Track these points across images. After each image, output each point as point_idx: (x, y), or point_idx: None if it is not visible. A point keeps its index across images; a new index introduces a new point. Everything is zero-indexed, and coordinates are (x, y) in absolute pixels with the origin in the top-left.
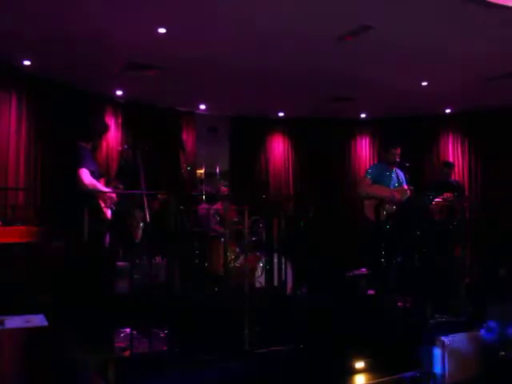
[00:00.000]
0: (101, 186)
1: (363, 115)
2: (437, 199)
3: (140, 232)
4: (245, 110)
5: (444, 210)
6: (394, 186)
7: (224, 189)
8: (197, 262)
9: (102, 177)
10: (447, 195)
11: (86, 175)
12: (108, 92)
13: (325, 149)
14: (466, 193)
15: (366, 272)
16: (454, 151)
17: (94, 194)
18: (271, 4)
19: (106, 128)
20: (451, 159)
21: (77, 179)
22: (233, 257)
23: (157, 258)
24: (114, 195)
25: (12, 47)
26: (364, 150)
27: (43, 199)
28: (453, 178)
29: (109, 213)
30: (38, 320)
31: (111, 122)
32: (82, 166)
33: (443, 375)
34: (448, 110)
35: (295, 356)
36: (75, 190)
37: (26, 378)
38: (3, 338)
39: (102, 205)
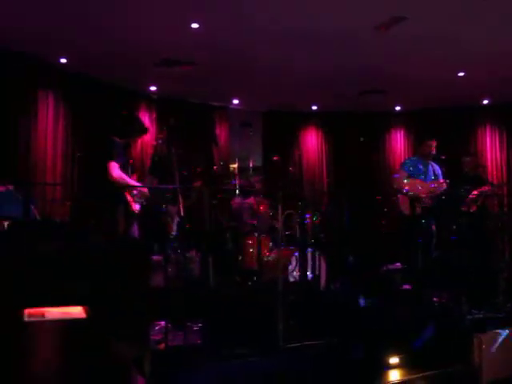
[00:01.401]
0: (130, 180)
1: (398, 108)
2: (473, 192)
3: (174, 226)
4: (278, 104)
5: (478, 202)
6: (431, 180)
7: (258, 184)
8: (231, 256)
9: (135, 172)
10: (484, 188)
11: (114, 168)
12: (142, 88)
13: (359, 142)
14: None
15: (400, 267)
16: (491, 143)
17: (122, 187)
18: None
19: (144, 130)
20: (489, 151)
21: (106, 172)
22: (266, 251)
23: (191, 252)
24: (144, 189)
25: (49, 45)
26: (399, 143)
27: (80, 194)
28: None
29: (137, 206)
30: (76, 312)
31: (145, 117)
32: (111, 159)
33: (480, 372)
34: (486, 101)
35: (329, 351)
36: (105, 182)
37: (65, 370)
38: (44, 330)
39: (129, 198)
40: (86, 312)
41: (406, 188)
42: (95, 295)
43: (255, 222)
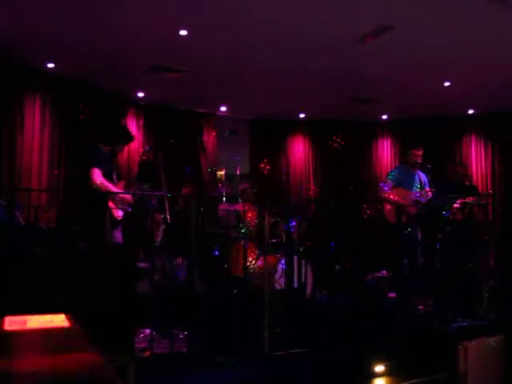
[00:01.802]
0: (112, 186)
1: (384, 116)
2: (458, 201)
3: (160, 234)
4: (266, 111)
5: (464, 211)
6: (416, 189)
7: (249, 191)
8: (217, 263)
9: (122, 179)
10: (469, 198)
11: (97, 175)
12: (130, 94)
13: (346, 150)
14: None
15: (386, 274)
16: (477, 153)
17: (103, 193)
18: (293, 6)
19: (130, 139)
20: (474, 161)
21: (88, 178)
22: (252, 259)
23: (177, 259)
24: (128, 196)
25: (36, 50)
26: (386, 151)
27: (65, 200)
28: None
29: (119, 213)
30: (59, 320)
31: (133, 123)
32: (93, 166)
33: (465, 380)
34: (471, 111)
35: (314, 359)
36: (87, 189)
37: (48, 379)
38: (26, 338)
39: (112, 205)
40: (69, 320)
41: (392, 197)
42: (79, 302)
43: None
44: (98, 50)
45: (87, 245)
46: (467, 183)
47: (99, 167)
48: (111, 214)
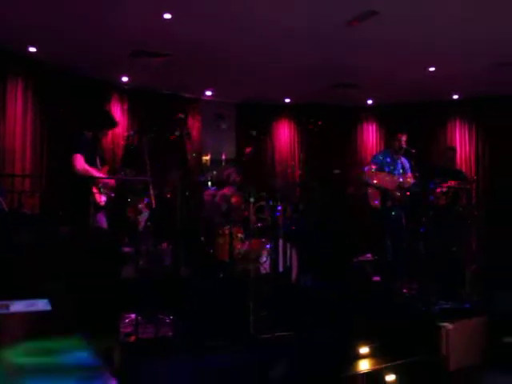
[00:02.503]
0: (94, 172)
1: (370, 101)
2: (442, 185)
3: (142, 222)
4: (251, 96)
5: (448, 196)
6: (399, 174)
7: (233, 175)
8: (202, 247)
9: (106, 164)
10: (452, 182)
11: (78, 160)
12: (114, 79)
13: (331, 135)
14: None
15: (371, 258)
16: (461, 137)
17: (85, 179)
18: None
19: (113, 124)
20: (458, 145)
21: (70, 165)
22: (238, 243)
23: (162, 244)
24: (111, 181)
25: (18, 34)
26: (371, 136)
27: (49, 185)
28: (457, 164)
29: (102, 198)
30: (41, 305)
31: (117, 108)
32: (76, 152)
33: (447, 361)
34: (456, 96)
35: (300, 342)
36: (69, 174)
37: None
38: (8, 322)
39: (95, 190)
40: (52, 304)
41: (375, 181)
42: (64, 287)
43: (227, 214)
44: (81, 34)
45: (70, 230)
46: (453, 168)
47: (81, 153)
48: (94, 199)
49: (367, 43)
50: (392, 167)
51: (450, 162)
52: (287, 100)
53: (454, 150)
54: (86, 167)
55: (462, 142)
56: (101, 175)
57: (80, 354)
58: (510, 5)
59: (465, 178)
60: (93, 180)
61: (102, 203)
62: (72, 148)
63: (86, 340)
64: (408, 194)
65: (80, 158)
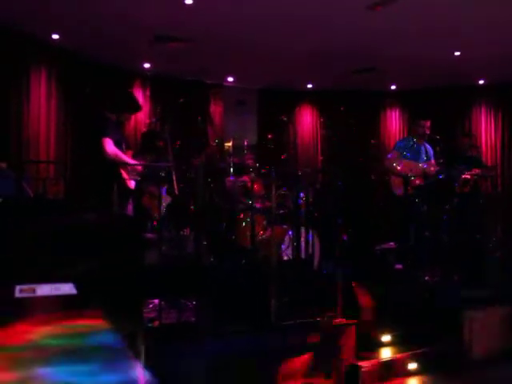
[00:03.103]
0: (125, 157)
1: (393, 87)
2: (465, 174)
3: (163, 209)
4: (273, 82)
5: (469, 184)
6: (423, 161)
7: (250, 161)
8: (224, 234)
9: (129, 149)
10: (476, 171)
11: (109, 145)
12: (136, 65)
13: (354, 121)
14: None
15: (393, 246)
16: (486, 123)
17: (117, 164)
18: None
19: (138, 108)
20: (483, 131)
21: (100, 149)
22: (260, 230)
23: (185, 230)
24: (139, 167)
25: (41, 21)
26: (394, 122)
27: (74, 172)
28: (476, 151)
29: (132, 184)
30: (67, 288)
31: (139, 94)
32: (105, 136)
33: (471, 350)
34: (481, 81)
35: (321, 329)
36: (99, 160)
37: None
38: (35, 305)
39: (125, 176)
40: (77, 288)
41: (398, 168)
42: (88, 272)
43: (249, 201)
44: (103, 21)
45: (96, 216)
46: (472, 154)
47: (110, 137)
48: (125, 184)
49: (390, 28)
50: (416, 154)
51: (470, 149)
52: (309, 86)
53: (468, 135)
54: (117, 151)
55: (487, 128)
56: (130, 160)
57: (105, 336)
58: None
59: (482, 164)
60: (124, 165)
61: (132, 188)
62: (99, 132)
63: (111, 324)
64: (432, 181)
65: (110, 142)
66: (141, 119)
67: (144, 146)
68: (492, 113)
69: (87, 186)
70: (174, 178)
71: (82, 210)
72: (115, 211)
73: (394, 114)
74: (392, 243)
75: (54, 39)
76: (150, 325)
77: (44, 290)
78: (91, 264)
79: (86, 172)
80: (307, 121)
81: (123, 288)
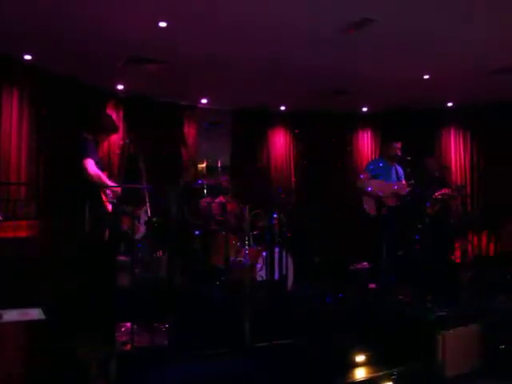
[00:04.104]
0: (105, 179)
1: (365, 109)
2: (436, 194)
3: (142, 227)
4: (246, 103)
5: (438, 204)
6: (394, 182)
7: (225, 182)
8: (198, 255)
9: (105, 170)
10: (445, 190)
11: (91, 165)
12: (110, 86)
13: (326, 143)
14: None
15: (367, 266)
16: (455, 145)
17: (97, 186)
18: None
19: (115, 129)
20: (453, 153)
21: (81, 170)
22: (234, 251)
23: (158, 252)
24: (118, 189)
25: (13, 41)
26: (366, 143)
27: (46, 193)
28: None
29: (109, 207)
30: (34, 314)
31: (113, 116)
32: (86, 156)
33: (444, 368)
34: (450, 104)
35: (296, 350)
36: (78, 181)
37: (23, 372)
38: (1, 331)
39: (104, 198)
40: (45, 313)
41: (370, 188)
42: (59, 296)
43: (223, 222)
44: (76, 42)
45: (67, 239)
46: (442, 175)
47: (91, 157)
48: (104, 208)
49: (363, 51)
50: (387, 175)
51: (436, 170)
52: (282, 108)
53: (446, 169)
54: (99, 173)
55: (456, 149)
56: (110, 183)
57: None
58: (503, 16)
59: (446, 184)
60: (105, 187)
61: (110, 211)
62: (80, 153)
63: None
64: (402, 201)
65: (92, 163)
66: (114, 140)
67: (129, 169)
68: (461, 134)
69: (60, 208)
70: (147, 200)
71: (53, 232)
72: (88, 234)
73: (365, 135)
74: (365, 263)
75: (27, 59)
76: (122, 348)
77: (11, 315)
78: (61, 288)
79: (59, 193)
80: (280, 142)
81: (95, 311)
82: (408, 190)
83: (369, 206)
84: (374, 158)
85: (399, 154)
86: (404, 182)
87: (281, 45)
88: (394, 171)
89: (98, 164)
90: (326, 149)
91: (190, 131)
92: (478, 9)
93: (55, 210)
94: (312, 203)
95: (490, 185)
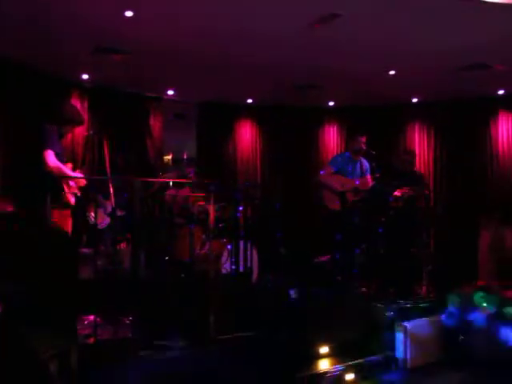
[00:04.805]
0: (66, 170)
1: (331, 103)
2: (397, 192)
3: (106, 217)
4: (213, 96)
5: (404, 199)
6: (358, 176)
7: (190, 174)
8: (163, 247)
9: (68, 162)
10: (405, 189)
11: (50, 157)
12: (74, 76)
13: (293, 136)
14: (429, 183)
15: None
16: (420, 140)
17: (58, 177)
18: None
19: (80, 121)
20: (417, 148)
21: (41, 161)
22: (199, 244)
23: (122, 244)
24: (81, 180)
25: None
26: (332, 138)
27: (4, 183)
28: (416, 167)
29: (72, 198)
30: None
31: (77, 106)
32: (46, 148)
33: (405, 360)
34: (415, 100)
35: (260, 342)
36: (39, 172)
37: None
38: None
39: (66, 190)
40: (2, 306)
41: (331, 183)
42: (21, 289)
43: (188, 214)
44: (38, 30)
45: (28, 230)
46: (413, 170)
47: (52, 149)
48: (67, 199)
49: (329, 45)
50: (351, 169)
51: (407, 166)
52: (249, 101)
53: (411, 153)
54: (59, 164)
55: (420, 143)
56: (73, 174)
57: None
58: (462, 17)
59: (421, 180)
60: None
61: (73, 203)
62: (41, 144)
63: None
64: (368, 193)
65: (51, 154)
66: (78, 132)
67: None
68: (425, 130)
69: (19, 199)
70: (111, 190)
71: (12, 224)
72: (48, 226)
73: (332, 129)
74: (329, 256)
75: None
76: (85, 341)
77: None
78: (20, 280)
79: (19, 185)
80: (247, 135)
81: (55, 304)
82: (372, 183)
83: (329, 201)
84: (339, 151)
85: (364, 147)
86: (369, 176)
87: (245, 39)
88: (358, 165)
89: (60, 156)
90: (292, 142)
91: (155, 123)
92: (439, 9)
93: (15, 202)
94: (277, 196)
95: (452, 180)
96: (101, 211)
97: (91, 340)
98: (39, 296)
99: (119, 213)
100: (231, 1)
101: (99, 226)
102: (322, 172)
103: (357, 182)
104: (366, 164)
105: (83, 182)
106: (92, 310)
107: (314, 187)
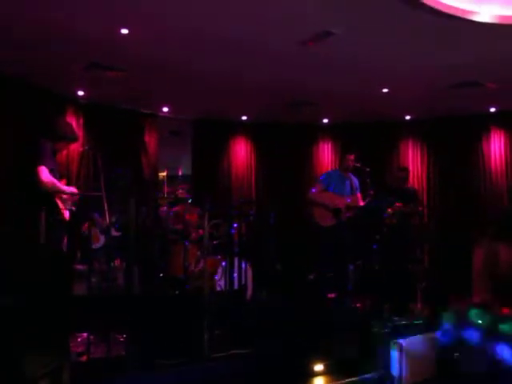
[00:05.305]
0: (60, 185)
1: (325, 120)
2: (389, 209)
3: (102, 237)
4: (208, 113)
5: (395, 216)
6: (348, 194)
7: (180, 191)
8: (157, 264)
9: (63, 178)
10: (398, 205)
11: (44, 173)
12: (70, 92)
13: (287, 154)
14: (423, 199)
15: (325, 276)
16: (413, 157)
17: (52, 193)
18: (233, 7)
19: (74, 138)
20: (411, 165)
21: (35, 177)
22: (193, 260)
23: (116, 261)
24: (76, 196)
25: None
26: (326, 154)
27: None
28: (409, 184)
29: (67, 214)
30: None
31: (72, 122)
32: (40, 164)
33: (400, 377)
34: (408, 117)
35: (254, 360)
36: (32, 188)
37: None
38: None
39: (61, 206)
40: None
41: (322, 201)
42: (13, 305)
43: (181, 231)
44: (38, 46)
45: (21, 245)
46: (407, 187)
47: (45, 165)
48: (61, 215)
49: (323, 63)
50: (341, 187)
51: (401, 182)
52: (244, 118)
53: (405, 170)
54: (53, 180)
55: (414, 161)
56: (67, 189)
57: None
58: (454, 36)
59: (415, 197)
60: (60, 194)
61: (67, 219)
62: (35, 159)
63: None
64: (356, 213)
65: (45, 170)
66: (73, 148)
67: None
68: (418, 146)
69: (13, 216)
70: (106, 207)
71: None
72: (42, 243)
73: (326, 146)
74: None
75: None
76: (77, 359)
77: None
78: (14, 296)
79: (12, 200)
80: (241, 152)
81: (48, 320)
82: (366, 201)
83: (321, 219)
84: (330, 169)
85: (351, 165)
86: (359, 194)
87: (241, 56)
88: (348, 183)
89: (54, 172)
90: (287, 159)
91: (150, 140)
92: (432, 29)
93: (7, 218)
94: (272, 213)
95: (445, 196)
96: (96, 231)
97: (84, 358)
98: (32, 312)
99: (114, 233)
100: (226, 22)
101: (94, 246)
102: (313, 190)
103: (348, 200)
104: (355, 182)
105: (77, 198)
106: (85, 327)
107: (306, 205)
